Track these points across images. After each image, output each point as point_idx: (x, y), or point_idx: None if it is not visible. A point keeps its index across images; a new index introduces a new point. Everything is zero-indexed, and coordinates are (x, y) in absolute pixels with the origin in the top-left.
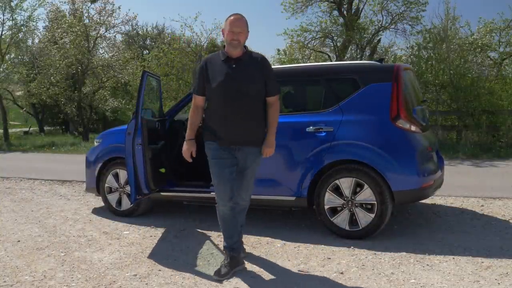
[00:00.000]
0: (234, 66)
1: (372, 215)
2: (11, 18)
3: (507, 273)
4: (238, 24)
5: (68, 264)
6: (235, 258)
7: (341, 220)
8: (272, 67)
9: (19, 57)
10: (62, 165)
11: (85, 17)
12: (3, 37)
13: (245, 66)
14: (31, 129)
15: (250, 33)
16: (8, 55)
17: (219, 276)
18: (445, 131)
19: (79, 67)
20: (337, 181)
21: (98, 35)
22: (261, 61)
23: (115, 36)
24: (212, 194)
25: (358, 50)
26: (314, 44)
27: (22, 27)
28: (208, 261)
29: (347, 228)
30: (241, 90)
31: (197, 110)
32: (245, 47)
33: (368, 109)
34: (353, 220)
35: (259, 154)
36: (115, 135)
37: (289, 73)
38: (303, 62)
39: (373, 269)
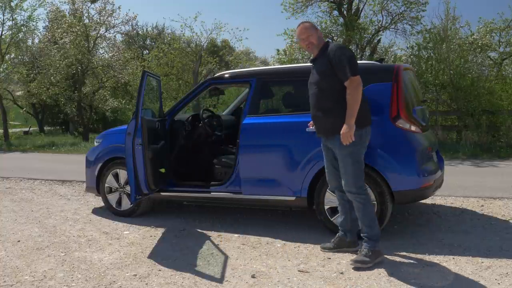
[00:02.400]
0: (313, 66)
1: None
2: (11, 18)
3: (507, 273)
4: (301, 32)
5: (68, 264)
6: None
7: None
8: (272, 67)
9: (19, 57)
10: (62, 165)
11: (85, 17)
12: (3, 37)
13: (318, 64)
14: (31, 129)
15: (250, 33)
16: (8, 55)
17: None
18: (445, 131)
19: (79, 67)
20: None
21: (98, 35)
22: (330, 52)
23: (115, 36)
24: (212, 194)
25: (358, 50)
26: None
27: (22, 27)
28: (208, 261)
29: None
30: (311, 86)
31: None
32: (327, 42)
33: None
34: None
35: (339, 143)
36: (115, 135)
37: (289, 73)
38: (303, 62)
39: (373, 269)
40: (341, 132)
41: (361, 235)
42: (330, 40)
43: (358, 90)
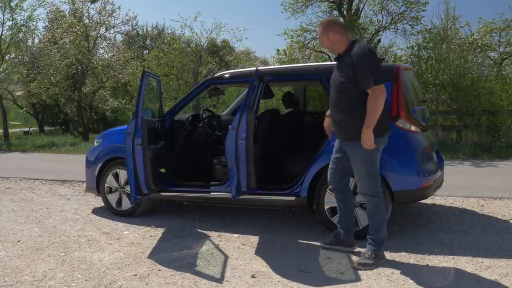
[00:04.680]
0: (336, 64)
1: None
2: (11, 18)
3: (507, 273)
4: (319, 33)
5: (68, 264)
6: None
7: None
8: (272, 67)
9: (19, 57)
10: (62, 165)
11: (85, 17)
12: (3, 37)
13: (341, 63)
14: (31, 129)
15: (250, 33)
16: (8, 55)
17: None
18: (445, 131)
19: (79, 67)
20: None
21: (98, 35)
22: (353, 57)
23: (115, 36)
24: (212, 194)
25: None
26: (314, 44)
27: (22, 27)
28: (208, 261)
29: None
30: (332, 86)
31: None
32: (353, 42)
33: None
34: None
35: (356, 148)
36: (115, 135)
37: (289, 73)
38: (303, 62)
39: (373, 269)
40: (361, 140)
41: (367, 236)
42: (356, 39)
43: (380, 99)
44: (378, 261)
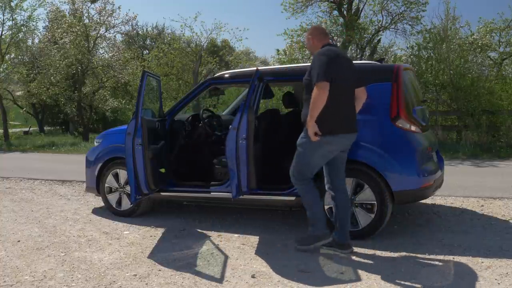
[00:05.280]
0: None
1: (372, 215)
2: (11, 18)
3: (507, 273)
4: (305, 36)
5: (68, 264)
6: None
7: None
8: (272, 67)
9: (19, 57)
10: (62, 165)
11: (85, 17)
12: (3, 37)
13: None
14: (31, 129)
15: (250, 33)
16: (8, 55)
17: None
18: (445, 131)
19: (79, 67)
20: None
21: (98, 35)
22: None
23: (115, 36)
24: (212, 194)
25: (358, 50)
26: None
27: (22, 27)
28: (208, 261)
29: None
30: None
31: None
32: (324, 45)
33: (368, 109)
34: (353, 220)
35: (304, 132)
36: (115, 135)
37: (289, 73)
38: (303, 62)
39: (373, 269)
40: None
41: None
42: (327, 45)
43: (320, 94)
44: (314, 241)
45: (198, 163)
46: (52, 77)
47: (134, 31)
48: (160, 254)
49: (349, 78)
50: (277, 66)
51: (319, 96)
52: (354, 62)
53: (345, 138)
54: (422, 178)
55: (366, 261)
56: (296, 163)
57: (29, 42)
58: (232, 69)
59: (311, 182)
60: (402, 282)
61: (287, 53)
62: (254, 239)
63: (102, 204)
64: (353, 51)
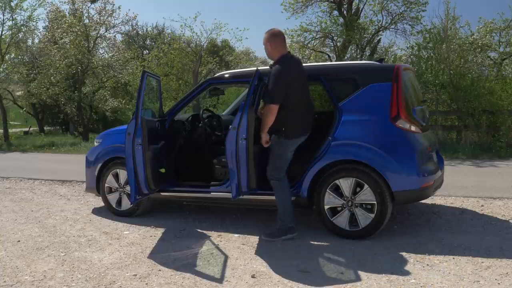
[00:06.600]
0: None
1: (372, 215)
2: (11, 18)
3: (507, 273)
4: (263, 39)
5: (68, 264)
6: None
7: (341, 220)
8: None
9: (19, 57)
10: (62, 165)
11: (85, 17)
12: (3, 37)
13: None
14: (31, 129)
15: (250, 33)
16: (8, 55)
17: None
18: (445, 131)
19: (79, 67)
20: (337, 181)
21: (98, 35)
22: (271, 71)
23: (115, 36)
24: (212, 194)
25: (358, 50)
26: (314, 44)
27: (22, 27)
28: (208, 261)
29: (347, 228)
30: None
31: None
32: (282, 56)
33: (368, 109)
34: (353, 220)
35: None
36: (115, 135)
37: None
38: (303, 62)
39: (373, 269)
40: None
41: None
42: (287, 53)
43: (269, 115)
44: (281, 234)
45: (198, 163)
46: (52, 77)
47: (134, 31)
48: (160, 254)
49: (303, 82)
50: None
51: (269, 117)
52: (354, 62)
53: (299, 139)
54: (422, 178)
55: (366, 261)
56: (270, 166)
57: (29, 42)
58: (232, 69)
59: (285, 180)
60: (402, 282)
61: None
62: (254, 239)
63: (102, 204)
64: (353, 51)
